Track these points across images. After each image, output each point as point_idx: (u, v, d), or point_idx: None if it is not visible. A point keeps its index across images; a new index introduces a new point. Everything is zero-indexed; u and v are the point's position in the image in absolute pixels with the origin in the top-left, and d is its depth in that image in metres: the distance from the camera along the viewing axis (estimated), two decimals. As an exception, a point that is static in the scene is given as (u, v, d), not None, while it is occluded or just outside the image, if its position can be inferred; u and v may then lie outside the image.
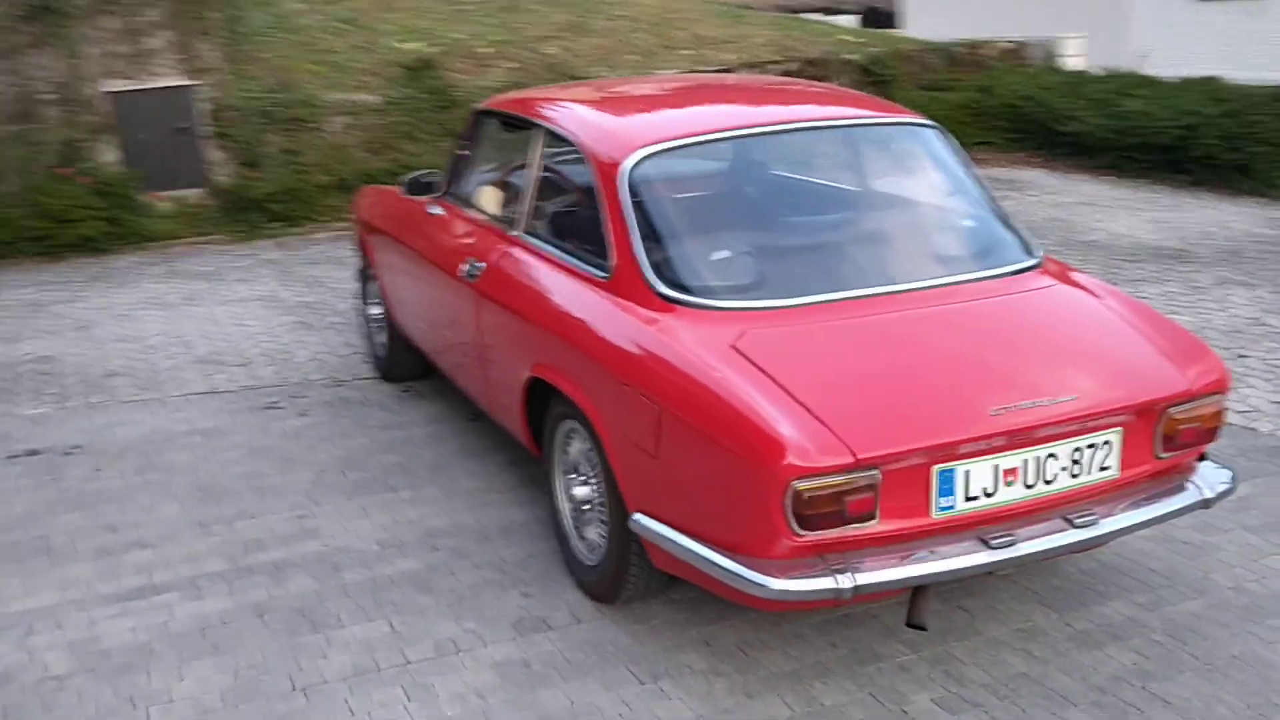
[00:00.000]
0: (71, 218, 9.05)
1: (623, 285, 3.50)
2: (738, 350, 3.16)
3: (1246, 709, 3.13)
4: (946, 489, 3.01)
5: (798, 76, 11.41)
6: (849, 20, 16.02)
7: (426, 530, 4.26)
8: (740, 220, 3.93)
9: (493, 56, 11.50)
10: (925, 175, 4.08)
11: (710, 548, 3.05)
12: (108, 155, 9.63)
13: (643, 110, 4.18)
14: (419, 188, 4.94)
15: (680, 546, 3.12)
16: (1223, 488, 3.38)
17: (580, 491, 3.68)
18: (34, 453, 5.13)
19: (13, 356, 6.55)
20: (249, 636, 3.60)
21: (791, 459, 2.83)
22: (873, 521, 2.95)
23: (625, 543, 3.42)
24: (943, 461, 2.99)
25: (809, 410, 2.95)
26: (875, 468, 2.89)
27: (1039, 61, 12.71)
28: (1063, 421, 3.07)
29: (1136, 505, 3.25)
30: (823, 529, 2.90)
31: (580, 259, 3.75)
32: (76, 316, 7.35)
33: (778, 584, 2.90)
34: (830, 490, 2.86)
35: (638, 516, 3.28)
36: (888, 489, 2.94)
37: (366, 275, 5.93)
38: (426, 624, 3.64)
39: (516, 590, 3.83)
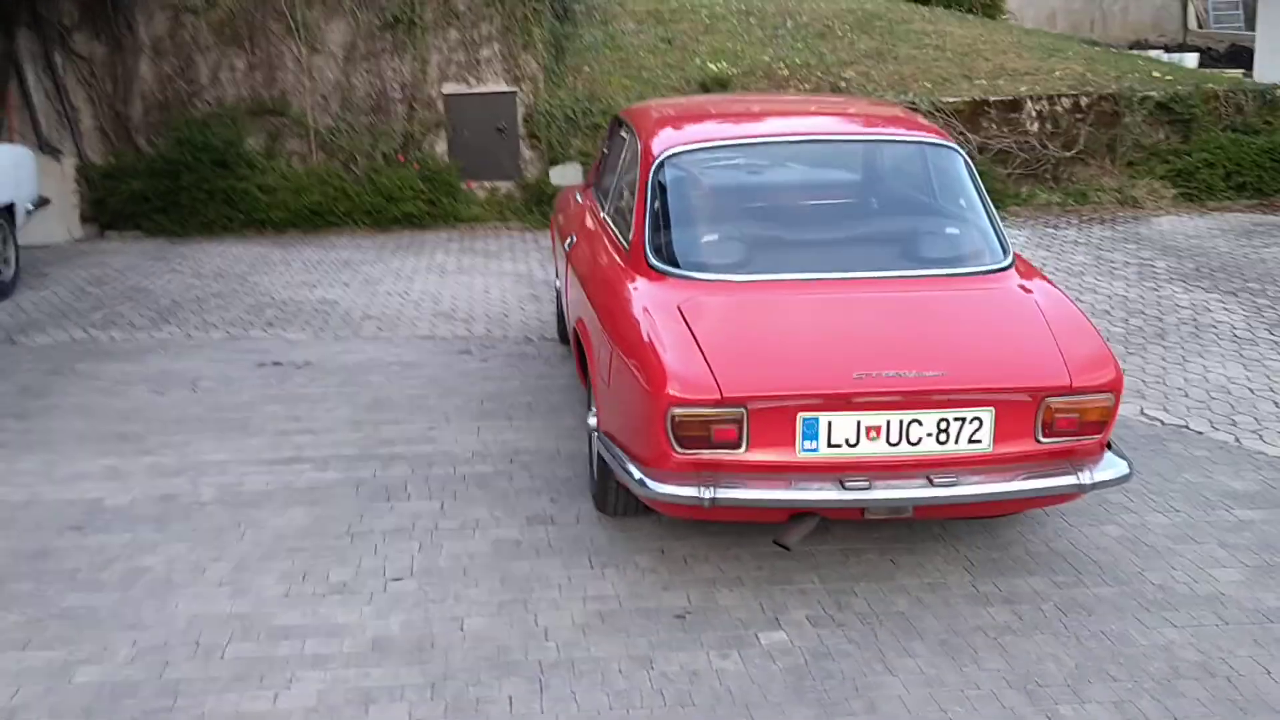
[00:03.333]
0: (399, 197, 10.83)
1: (634, 258, 4.35)
2: (679, 309, 3.94)
3: (1074, 668, 3.52)
4: (810, 434, 3.65)
5: (1089, 111, 11.51)
6: (1190, 58, 15.46)
7: (513, 449, 5.26)
8: (738, 211, 4.66)
9: (789, 78, 12.36)
10: (922, 186, 4.63)
11: (630, 459, 3.86)
12: (438, 147, 11.37)
13: (701, 119, 4.97)
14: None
15: (610, 454, 3.95)
16: (1104, 477, 3.76)
17: (591, 420, 4.56)
18: (277, 364, 6.62)
19: (306, 298, 8.21)
20: (340, 497, 4.76)
21: (672, 391, 3.61)
22: (741, 450, 3.65)
23: (603, 460, 4.27)
24: (806, 410, 3.64)
25: (705, 358, 3.70)
26: (741, 405, 3.60)
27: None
28: (920, 393, 3.62)
29: (1006, 479, 3.72)
30: (696, 449, 3.65)
31: (621, 236, 4.63)
32: (369, 274, 8.98)
33: (657, 486, 3.69)
34: (699, 419, 3.61)
35: (598, 434, 4.13)
36: (756, 426, 3.63)
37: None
38: (466, 507, 4.65)
39: (547, 496, 4.75)
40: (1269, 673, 3.49)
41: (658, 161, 4.44)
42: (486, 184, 11.32)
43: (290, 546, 4.31)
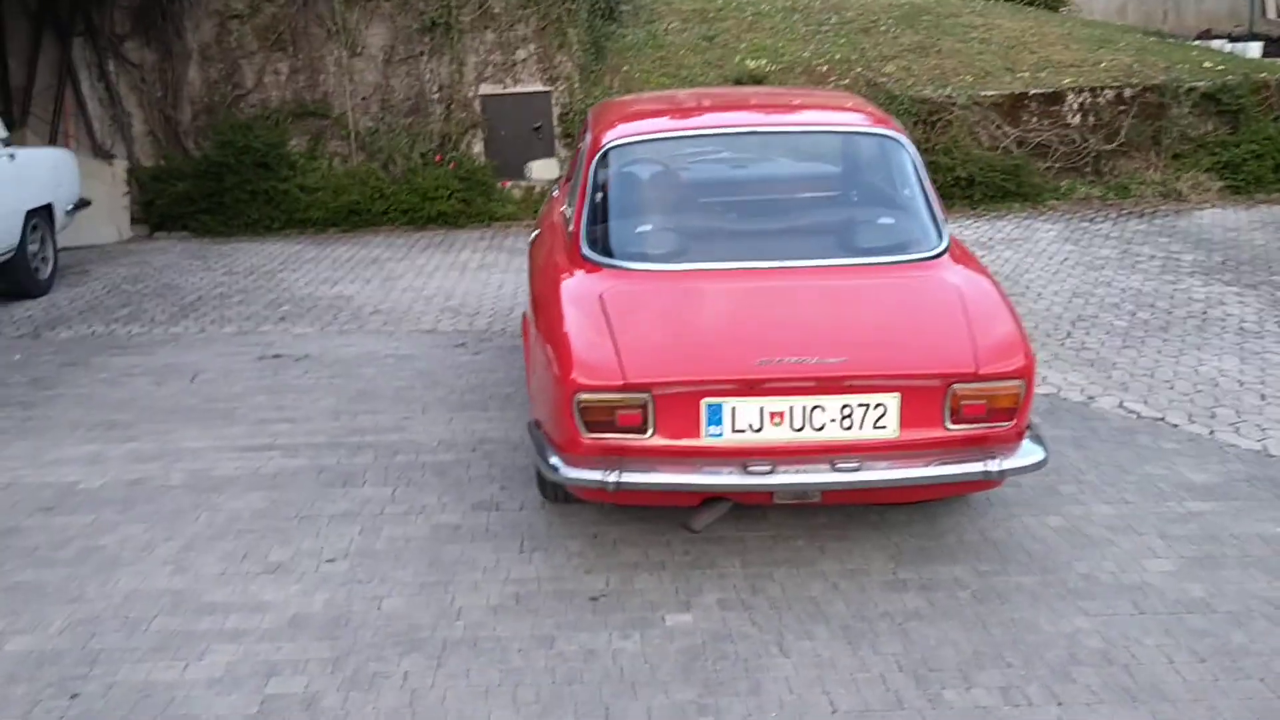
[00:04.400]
0: (434, 196, 11.04)
1: (571, 247, 4.43)
2: (600, 298, 4.01)
3: (971, 654, 3.52)
4: (715, 419, 3.70)
5: (1132, 103, 11.29)
6: (1254, 48, 14.99)
7: (480, 439, 5.37)
8: (675, 202, 4.71)
9: (828, 74, 12.32)
10: (862, 176, 4.63)
11: (549, 446, 3.94)
12: (475, 147, 11.57)
13: (655, 113, 5.01)
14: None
15: (534, 441, 4.04)
16: (1014, 465, 3.75)
17: None
18: (277, 356, 6.83)
19: (324, 294, 8.43)
20: (299, 483, 4.91)
21: (577, 377, 3.69)
22: (647, 435, 3.71)
23: (539, 447, 4.36)
24: (710, 396, 3.69)
25: (615, 345, 3.77)
26: (645, 391, 3.66)
27: None
28: (821, 379, 3.65)
29: (912, 465, 3.72)
30: (602, 434, 3.72)
31: (566, 228, 4.72)
32: (392, 270, 9.19)
33: (565, 470, 3.77)
34: (603, 404, 3.68)
35: (530, 421, 4.23)
36: (662, 411, 3.69)
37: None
38: (417, 494, 4.77)
39: (499, 484, 4.85)
40: (1171, 661, 3.45)
41: (600, 154, 4.52)
42: (522, 183, 11.47)
43: (240, 529, 4.47)
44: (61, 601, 3.93)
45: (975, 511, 4.46)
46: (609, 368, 3.68)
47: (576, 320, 3.89)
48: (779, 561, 4.11)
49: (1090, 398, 5.70)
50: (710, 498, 3.89)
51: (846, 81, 12.09)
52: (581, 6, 11.61)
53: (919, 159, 4.52)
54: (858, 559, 4.13)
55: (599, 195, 4.44)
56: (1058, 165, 11.31)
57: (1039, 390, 5.78)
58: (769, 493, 3.79)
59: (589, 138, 4.76)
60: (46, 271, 8.70)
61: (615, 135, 4.56)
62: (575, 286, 4.11)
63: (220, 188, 10.95)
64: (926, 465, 3.71)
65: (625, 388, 3.64)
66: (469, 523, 4.48)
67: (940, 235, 4.30)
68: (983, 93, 11.56)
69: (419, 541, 4.33)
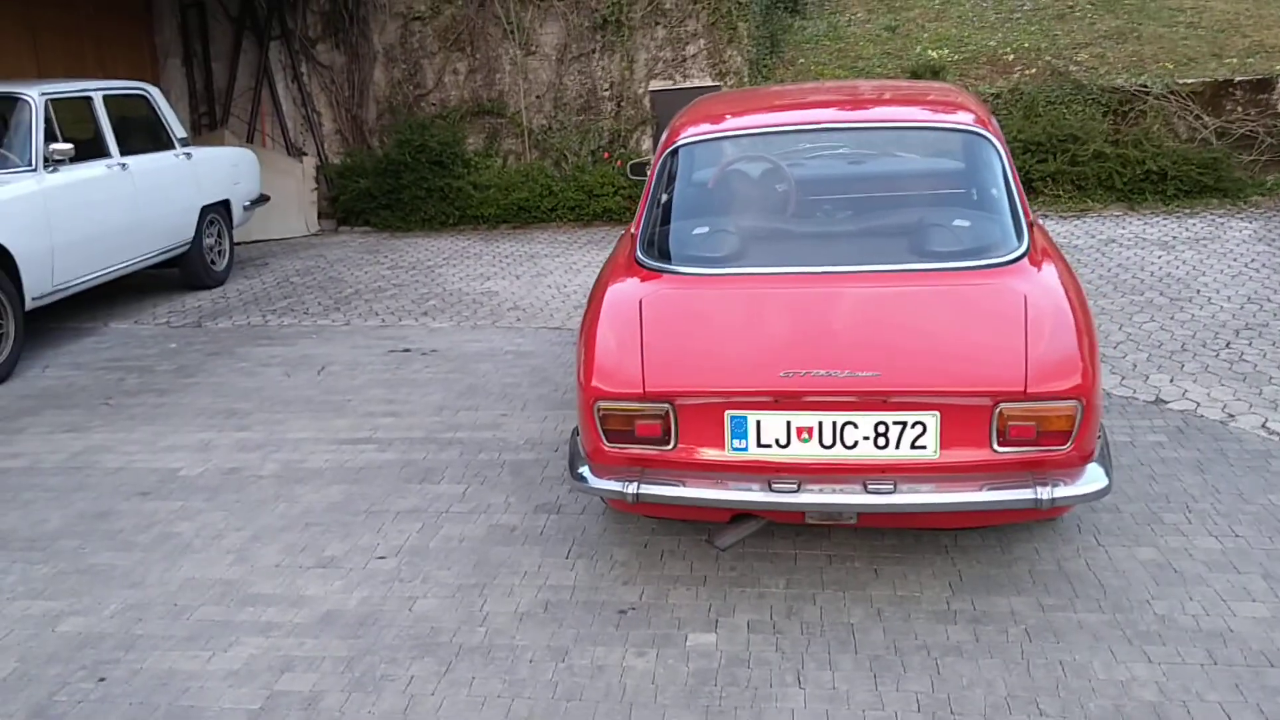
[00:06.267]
0: (600, 193, 11.11)
1: (630, 250, 4.33)
2: (639, 302, 3.89)
3: (1004, 697, 3.23)
4: (739, 432, 3.53)
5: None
6: None
7: (565, 439, 5.33)
8: (737, 204, 4.49)
9: (1014, 63, 11.73)
10: (942, 175, 4.31)
11: (581, 453, 3.86)
12: (644, 144, 11.57)
13: (734, 110, 4.80)
14: (638, 170, 5.96)
15: (572, 449, 3.96)
16: (1068, 493, 3.42)
17: None
18: (406, 350, 6.99)
19: (472, 289, 8.59)
20: (381, 478, 4.99)
21: (597, 384, 3.60)
22: (669, 446, 3.58)
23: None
24: (734, 408, 3.52)
25: (642, 352, 3.65)
26: (666, 401, 3.53)
27: None
28: (851, 394, 3.42)
29: (953, 489, 3.45)
30: (622, 444, 3.61)
31: (632, 229, 4.60)
32: (545, 266, 9.28)
33: (591, 480, 3.68)
34: (622, 413, 3.57)
35: (574, 430, 4.15)
36: (685, 422, 3.55)
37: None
38: (487, 493, 4.77)
39: (569, 486, 4.81)
40: (1228, 718, 3.08)
41: (664, 155, 4.39)
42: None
43: (309, 521, 4.57)
44: (123, 586, 4.11)
45: (1058, 538, 4.12)
46: (630, 376, 3.56)
47: (609, 325, 3.78)
48: (827, 583, 3.89)
49: (1231, 415, 5.18)
50: (738, 514, 3.71)
51: (1033, 70, 11.48)
52: (755, 1, 11.41)
53: (1007, 156, 4.18)
54: (912, 585, 3.86)
55: (662, 197, 4.32)
56: (1265, 158, 10.39)
57: (1175, 406, 5.33)
58: (801, 512, 3.58)
59: (663, 142, 4.64)
60: (222, 264, 9.20)
61: (681, 136, 4.42)
62: (619, 291, 4.00)
63: (398, 185, 11.32)
64: (969, 490, 3.42)
65: (645, 396, 3.52)
66: (526, 525, 4.44)
67: (1020, 239, 3.97)
68: (1182, 80, 10.75)
69: (471, 542, 4.32)
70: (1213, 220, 9.49)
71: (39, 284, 6.86)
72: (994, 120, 4.43)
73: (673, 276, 4.00)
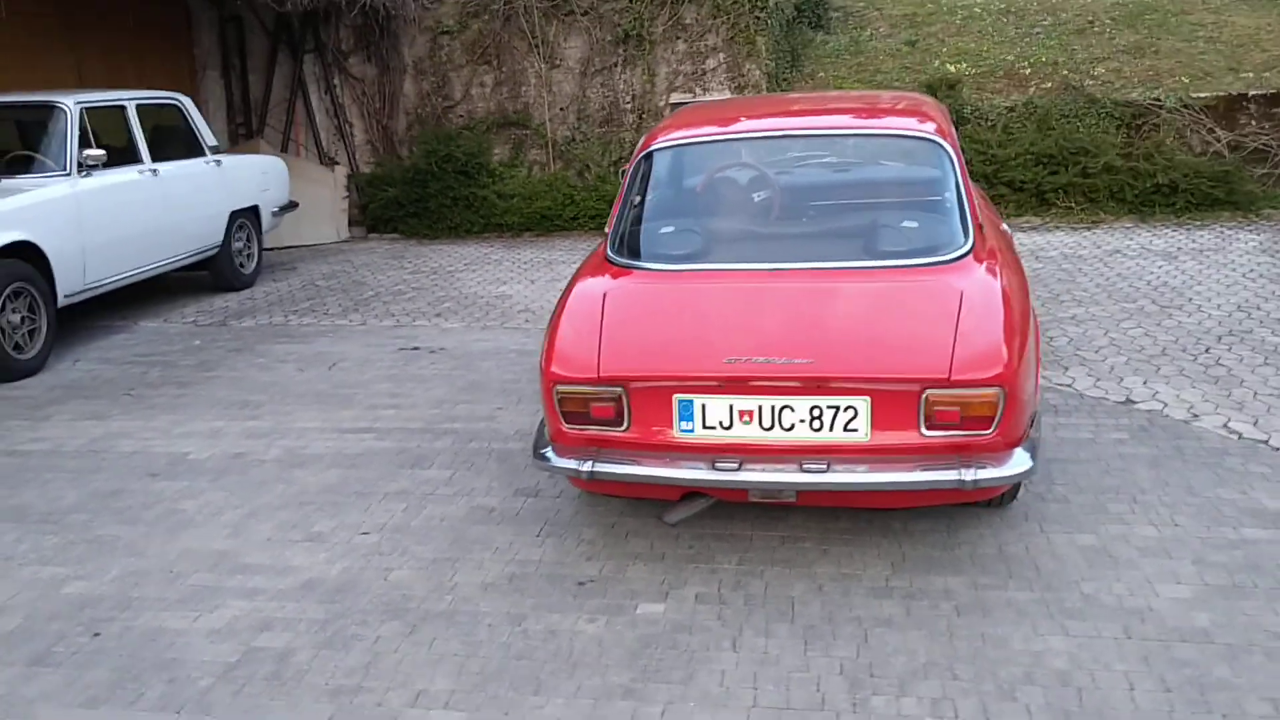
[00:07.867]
0: (620, 202, 11.39)
1: (602, 249, 4.60)
2: (603, 295, 4.17)
3: (922, 665, 3.44)
4: (686, 415, 3.78)
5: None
6: None
7: (555, 430, 5.61)
8: (699, 206, 4.76)
9: (1030, 77, 11.89)
10: (896, 179, 4.55)
11: (545, 435, 4.14)
12: (664, 154, 11.83)
13: (708, 119, 5.05)
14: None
15: (538, 433, 4.24)
16: (990, 475, 3.64)
17: None
18: (415, 348, 7.30)
19: (487, 293, 8.91)
20: (377, 463, 5.28)
21: (555, 369, 3.87)
22: (623, 428, 3.84)
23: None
24: (681, 392, 3.78)
25: (600, 340, 3.92)
26: (618, 385, 3.80)
27: None
28: (786, 379, 3.67)
29: (884, 470, 3.69)
30: (580, 425, 3.88)
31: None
32: (561, 272, 9.57)
33: (552, 459, 3.95)
34: (578, 396, 3.84)
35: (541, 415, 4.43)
36: (637, 406, 3.82)
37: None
38: (473, 478, 5.04)
39: (548, 472, 5.06)
40: (1131, 689, 3.27)
41: (636, 161, 4.66)
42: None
43: (303, 501, 4.88)
44: (126, 555, 4.42)
45: (1002, 524, 4.32)
46: (586, 361, 3.82)
47: (571, 317, 4.05)
48: (777, 561, 4.12)
49: (1195, 415, 5.36)
50: (688, 493, 3.97)
51: (1049, 85, 11.63)
52: (774, 16, 11.67)
53: (958, 160, 4.41)
54: (856, 563, 4.09)
55: (634, 199, 4.58)
56: (1278, 172, 10.48)
57: (1142, 406, 5.51)
58: (744, 490, 3.82)
59: (639, 144, 4.91)
60: (250, 267, 9.58)
61: (654, 142, 4.69)
62: (586, 285, 4.27)
63: (425, 193, 11.68)
64: (899, 470, 3.65)
65: (599, 380, 3.78)
66: (504, 506, 4.71)
67: (965, 238, 4.19)
68: (1196, 95, 10.86)
69: (451, 521, 4.59)
70: (1221, 233, 9.60)
71: (71, 282, 7.25)
72: (953, 130, 4.66)
73: (639, 272, 4.26)
